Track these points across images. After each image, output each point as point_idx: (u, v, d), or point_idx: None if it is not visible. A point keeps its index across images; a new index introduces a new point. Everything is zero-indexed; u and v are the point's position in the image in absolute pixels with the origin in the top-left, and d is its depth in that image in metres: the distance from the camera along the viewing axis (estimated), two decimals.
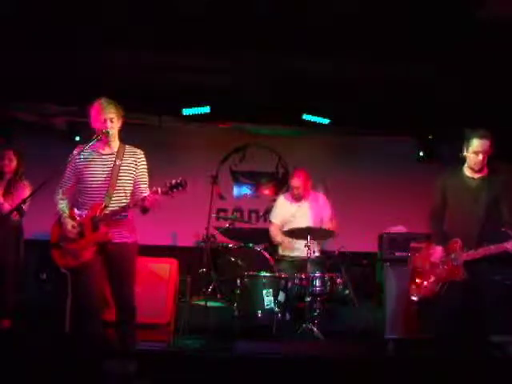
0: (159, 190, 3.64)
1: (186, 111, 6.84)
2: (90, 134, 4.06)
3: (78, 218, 3.86)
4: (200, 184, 6.57)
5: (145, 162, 4.06)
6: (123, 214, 3.86)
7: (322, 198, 6.03)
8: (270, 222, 6.02)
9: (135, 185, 3.98)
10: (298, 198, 5.78)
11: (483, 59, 5.46)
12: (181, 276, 5.71)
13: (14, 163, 5.54)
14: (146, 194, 3.76)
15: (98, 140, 3.89)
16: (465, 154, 4.29)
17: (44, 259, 5.34)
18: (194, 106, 6.73)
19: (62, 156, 4.12)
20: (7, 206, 5.36)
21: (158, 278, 5.43)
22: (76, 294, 3.96)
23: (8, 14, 5.04)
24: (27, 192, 5.43)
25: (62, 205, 3.99)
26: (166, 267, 5.57)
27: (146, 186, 3.98)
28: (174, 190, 3.60)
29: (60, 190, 4.05)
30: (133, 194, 3.96)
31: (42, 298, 6.16)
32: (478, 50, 5.28)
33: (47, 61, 5.91)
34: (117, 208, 3.82)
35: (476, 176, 4.38)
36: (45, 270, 6.32)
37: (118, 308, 3.90)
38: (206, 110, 6.77)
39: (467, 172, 4.41)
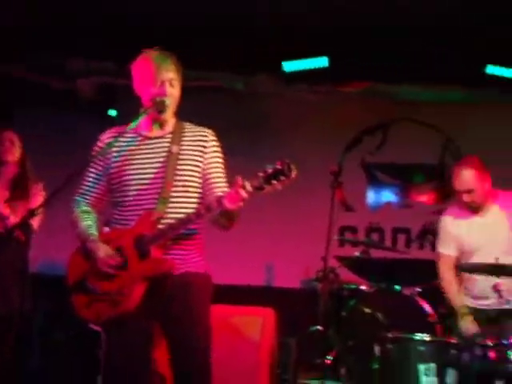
0: (247, 183, 3.36)
1: (289, 66, 6.23)
2: (132, 106, 3.72)
3: (114, 241, 3.63)
4: (311, 186, 6.32)
5: (218, 146, 3.77)
6: (188, 228, 3.59)
7: None
8: (437, 253, 5.42)
9: (205, 181, 3.73)
10: (473, 209, 5.17)
11: None
12: (280, 337, 5.39)
13: (18, 150, 5.18)
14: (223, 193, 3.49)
15: (146, 116, 3.65)
16: None
17: (59, 307, 4.96)
18: (303, 58, 6.17)
19: (89, 142, 3.88)
20: (13, 219, 4.94)
21: (243, 339, 5.25)
22: (113, 364, 3.68)
23: None
24: (39, 199, 5.04)
25: (88, 221, 3.70)
26: (257, 322, 5.36)
27: (222, 181, 3.74)
28: (273, 181, 3.32)
29: (82, 200, 3.75)
30: (202, 196, 3.73)
31: (55, 368, 5.91)
32: None
33: None
34: (177, 219, 3.57)
35: None
36: (61, 324, 5.96)
37: (183, 381, 3.58)
38: (323, 62, 6.12)
39: None
